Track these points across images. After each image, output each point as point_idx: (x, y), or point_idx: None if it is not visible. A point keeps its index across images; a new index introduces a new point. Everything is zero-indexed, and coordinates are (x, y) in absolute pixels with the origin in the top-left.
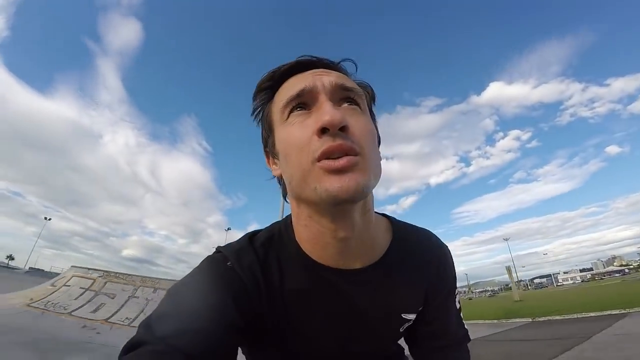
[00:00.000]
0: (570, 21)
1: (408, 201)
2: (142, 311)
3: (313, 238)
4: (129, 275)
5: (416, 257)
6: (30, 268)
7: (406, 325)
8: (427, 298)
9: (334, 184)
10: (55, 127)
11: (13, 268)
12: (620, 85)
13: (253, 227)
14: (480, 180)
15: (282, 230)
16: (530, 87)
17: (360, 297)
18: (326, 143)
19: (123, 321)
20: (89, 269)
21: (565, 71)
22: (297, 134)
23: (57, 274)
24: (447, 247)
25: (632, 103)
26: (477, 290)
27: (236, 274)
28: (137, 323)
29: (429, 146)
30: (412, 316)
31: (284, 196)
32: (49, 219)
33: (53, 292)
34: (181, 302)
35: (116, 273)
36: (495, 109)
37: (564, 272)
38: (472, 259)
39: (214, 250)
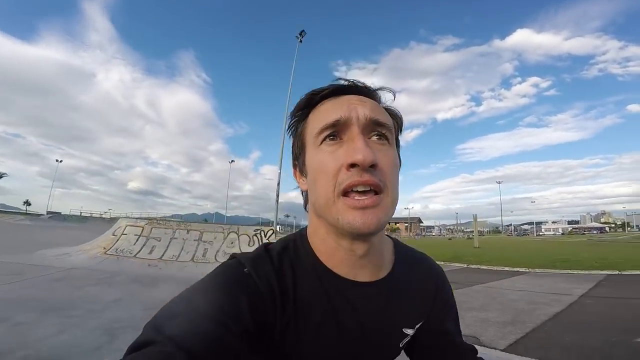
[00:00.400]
0: None
1: (412, 134)
2: (182, 248)
3: (329, 251)
4: (168, 220)
5: (417, 276)
6: (48, 212)
7: (405, 340)
8: (427, 314)
9: (357, 219)
10: (44, 70)
11: (36, 215)
12: None
13: (256, 155)
14: (489, 119)
15: (297, 241)
16: (562, 39)
17: (367, 311)
18: (354, 177)
19: (171, 258)
20: (136, 218)
21: (605, 27)
22: (327, 162)
23: (74, 216)
24: (442, 268)
25: None
26: (468, 230)
27: (253, 281)
28: (181, 259)
29: (439, 83)
30: (411, 331)
31: (305, 206)
32: (60, 161)
33: (117, 241)
34: (195, 304)
35: (157, 220)
36: (517, 54)
37: (552, 222)
38: (469, 197)
39: (229, 257)
